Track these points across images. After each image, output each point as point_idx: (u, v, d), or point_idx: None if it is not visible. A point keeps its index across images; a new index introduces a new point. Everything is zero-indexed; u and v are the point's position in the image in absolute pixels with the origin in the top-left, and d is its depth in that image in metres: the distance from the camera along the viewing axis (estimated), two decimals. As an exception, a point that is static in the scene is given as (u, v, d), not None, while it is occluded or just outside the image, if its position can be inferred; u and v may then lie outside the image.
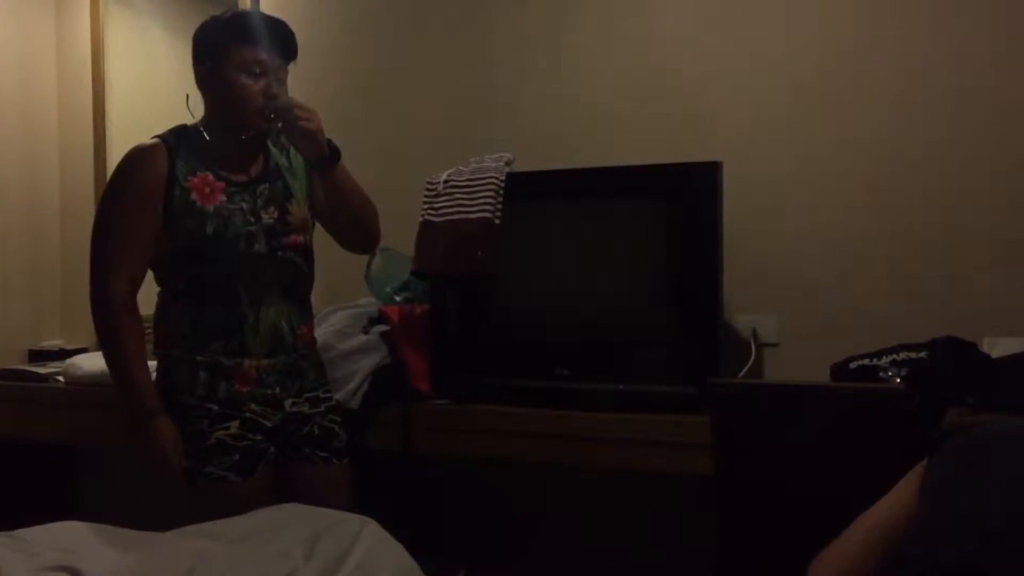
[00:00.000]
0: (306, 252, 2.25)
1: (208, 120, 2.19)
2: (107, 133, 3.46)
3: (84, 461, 3.42)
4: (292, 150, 2.25)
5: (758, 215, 2.46)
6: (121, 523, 1.66)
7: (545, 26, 2.78)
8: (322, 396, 2.27)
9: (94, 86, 3.46)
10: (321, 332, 2.55)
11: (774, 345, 2.48)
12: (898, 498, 1.44)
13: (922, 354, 2.02)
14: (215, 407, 2.10)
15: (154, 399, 2.09)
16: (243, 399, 2.12)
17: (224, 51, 2.10)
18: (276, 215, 2.17)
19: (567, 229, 2.42)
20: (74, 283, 3.51)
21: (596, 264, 2.39)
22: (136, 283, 2.14)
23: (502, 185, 2.41)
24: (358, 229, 2.31)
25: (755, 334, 2.47)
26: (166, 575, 1.46)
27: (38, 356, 3.33)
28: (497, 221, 2.39)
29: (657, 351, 2.32)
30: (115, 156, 3.44)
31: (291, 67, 2.18)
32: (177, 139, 2.17)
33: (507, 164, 2.47)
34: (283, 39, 2.15)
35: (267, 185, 2.19)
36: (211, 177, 2.13)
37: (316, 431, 2.23)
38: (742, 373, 2.42)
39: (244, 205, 2.14)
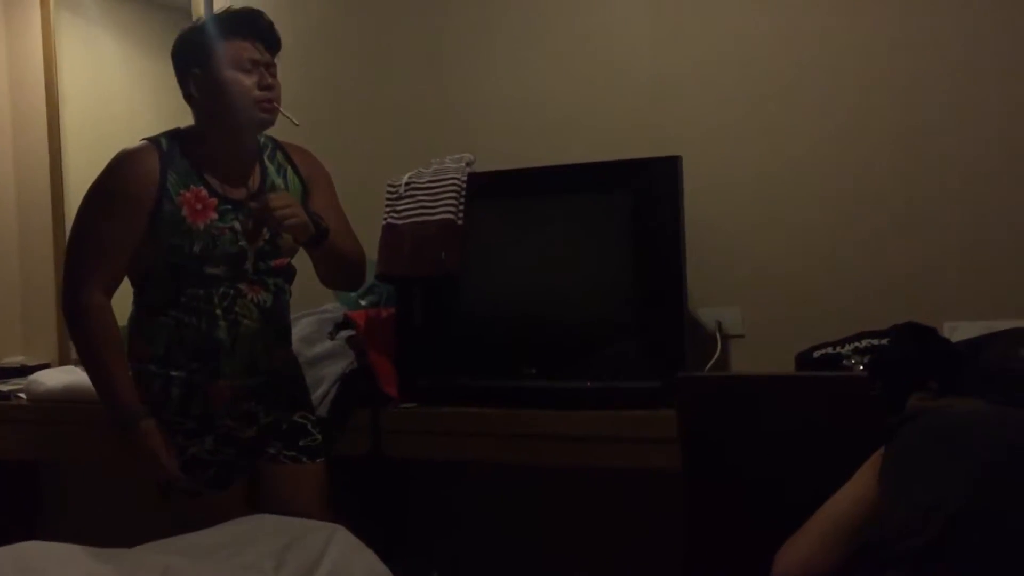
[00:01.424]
0: (289, 274, 2.22)
1: (204, 128, 2.11)
2: (62, 143, 3.42)
3: (47, 478, 3.37)
4: (289, 170, 2.20)
5: (719, 208, 2.48)
6: (85, 540, 1.63)
7: (504, 25, 2.77)
8: (298, 397, 2.24)
9: (47, 95, 3.41)
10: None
11: (739, 337, 2.49)
12: (858, 486, 1.45)
13: (884, 341, 2.05)
14: (189, 423, 2.07)
15: (138, 403, 2.04)
16: (218, 414, 2.09)
17: (211, 52, 2.04)
18: (267, 236, 2.10)
19: (530, 228, 2.42)
20: (34, 298, 3.47)
21: (560, 262, 2.39)
22: (111, 292, 2.08)
23: (464, 186, 2.41)
24: (345, 280, 2.30)
25: (720, 326, 2.48)
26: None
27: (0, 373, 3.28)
28: (460, 222, 2.38)
29: (624, 346, 2.32)
30: (71, 165, 3.42)
31: (277, 59, 2.13)
32: (171, 144, 2.09)
33: (468, 165, 2.47)
34: (266, 29, 2.10)
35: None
36: (204, 192, 2.06)
37: (284, 427, 2.18)
38: (708, 366, 2.44)
39: (236, 224, 2.07)
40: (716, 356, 2.45)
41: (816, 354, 2.14)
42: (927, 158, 2.34)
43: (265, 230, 2.05)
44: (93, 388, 2.10)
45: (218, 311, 2.06)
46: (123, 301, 2.17)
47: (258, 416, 2.14)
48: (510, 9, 2.76)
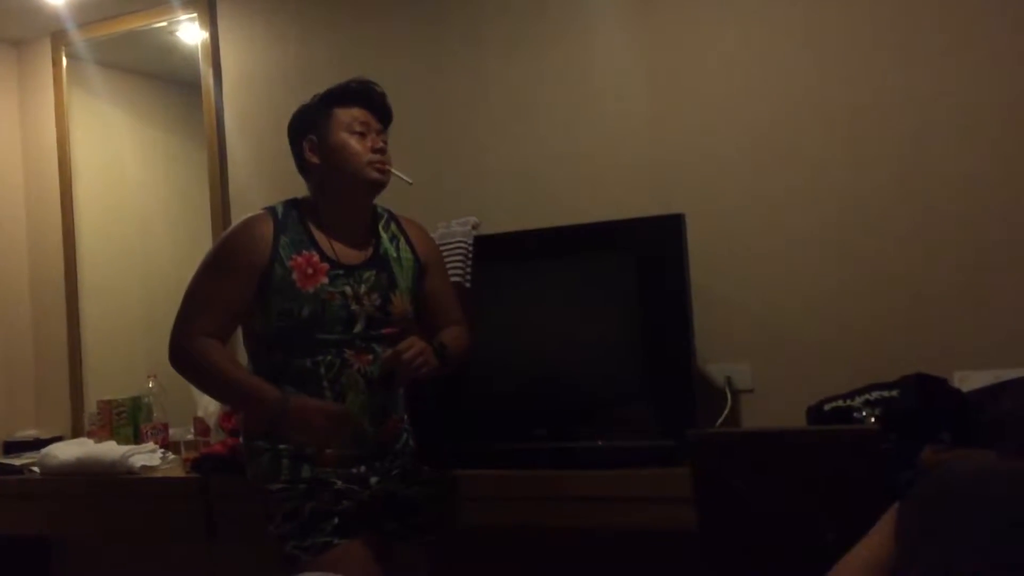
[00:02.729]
0: (398, 342, 2.11)
1: (318, 195, 2.14)
2: (75, 220, 3.47)
3: (59, 553, 3.35)
4: (402, 241, 2.19)
5: (724, 264, 2.49)
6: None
7: (505, 89, 2.82)
8: (408, 469, 2.17)
9: (60, 173, 3.48)
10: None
11: (749, 391, 2.49)
12: (875, 541, 1.45)
13: (894, 392, 2.04)
14: (302, 485, 2.02)
15: (275, 391, 1.99)
16: (328, 476, 2.03)
17: (325, 120, 2.10)
18: (378, 303, 2.09)
19: (536, 289, 2.44)
20: (48, 371, 3.49)
21: (568, 322, 2.40)
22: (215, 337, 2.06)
23: (471, 249, 2.45)
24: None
25: (729, 382, 2.48)
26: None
27: (13, 447, 3.28)
28: (468, 285, 2.40)
29: (634, 405, 2.32)
30: (84, 240, 3.47)
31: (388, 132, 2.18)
32: (286, 210, 2.11)
33: (474, 228, 2.50)
34: (378, 99, 2.14)
35: (373, 272, 2.10)
36: (316, 258, 2.06)
37: (398, 498, 2.12)
38: (719, 421, 2.43)
39: (347, 289, 2.06)
40: (726, 412, 2.45)
41: (827, 407, 2.13)
42: (933, 212, 2.35)
43: (375, 296, 2.08)
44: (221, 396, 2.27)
45: (324, 382, 2.03)
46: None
47: (369, 481, 2.08)
48: (511, 73, 2.81)
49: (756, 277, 2.50)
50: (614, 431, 2.31)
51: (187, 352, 2.04)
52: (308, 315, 2.02)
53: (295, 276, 2.03)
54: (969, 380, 2.14)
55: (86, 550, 3.22)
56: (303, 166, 2.15)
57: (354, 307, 2.05)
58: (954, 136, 2.34)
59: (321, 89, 2.16)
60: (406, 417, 2.20)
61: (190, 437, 2.98)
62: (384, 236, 2.17)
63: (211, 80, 3.23)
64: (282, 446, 2.03)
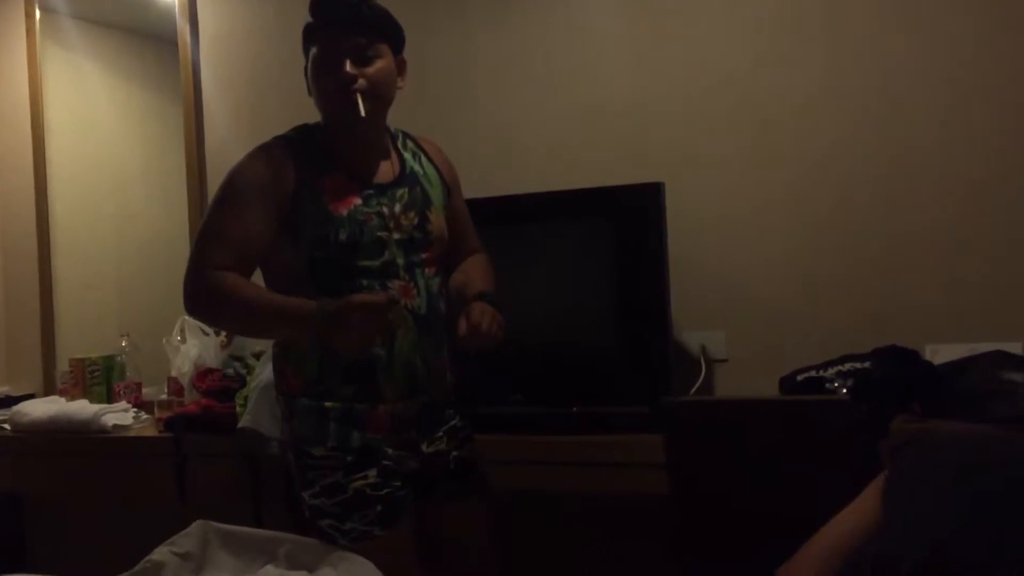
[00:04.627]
0: (439, 272, 1.99)
1: (325, 125, 1.95)
2: (48, 175, 3.41)
3: (32, 510, 3.34)
4: (423, 157, 2.04)
5: (702, 233, 2.50)
6: (71, 573, 1.63)
7: (485, 56, 2.80)
8: (459, 426, 2.02)
9: (33, 128, 3.41)
10: (271, 369, 2.52)
11: (723, 361, 2.51)
12: (860, 510, 1.46)
13: (866, 364, 2.06)
14: (349, 456, 1.86)
15: (310, 305, 1.77)
16: (378, 445, 1.88)
17: (306, 53, 1.92)
18: (416, 222, 1.92)
19: (515, 255, 2.43)
20: (19, 328, 3.45)
21: (544, 288, 2.40)
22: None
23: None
24: None
25: (704, 351, 2.50)
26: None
27: (-17, 404, 3.26)
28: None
29: (610, 372, 2.33)
30: (56, 196, 3.42)
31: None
32: (301, 135, 1.92)
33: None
34: (347, 13, 1.87)
35: (405, 189, 1.93)
36: (343, 179, 1.88)
37: (452, 465, 1.99)
38: (693, 390, 2.45)
39: (383, 209, 1.88)
40: (700, 380, 2.47)
41: (800, 378, 2.15)
42: (910, 185, 2.36)
43: (412, 214, 1.91)
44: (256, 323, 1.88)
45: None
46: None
47: (420, 447, 1.94)
48: (491, 40, 2.79)
49: (733, 247, 2.51)
50: (590, 397, 2.32)
51: (204, 289, 1.81)
52: (346, 240, 1.83)
53: (326, 198, 1.84)
54: (940, 353, 2.16)
55: (58, 508, 3.22)
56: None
57: (391, 226, 1.88)
58: (937, 115, 2.35)
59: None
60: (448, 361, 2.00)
61: (164, 397, 2.96)
62: (406, 154, 2.01)
63: (188, 36, 3.18)
64: (328, 404, 1.87)
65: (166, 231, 3.28)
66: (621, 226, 2.33)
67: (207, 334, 2.94)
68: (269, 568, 1.82)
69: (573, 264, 2.40)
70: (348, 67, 1.84)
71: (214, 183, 3.15)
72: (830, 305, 2.41)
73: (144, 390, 3.05)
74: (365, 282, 1.85)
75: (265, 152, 1.88)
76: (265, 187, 1.83)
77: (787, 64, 2.47)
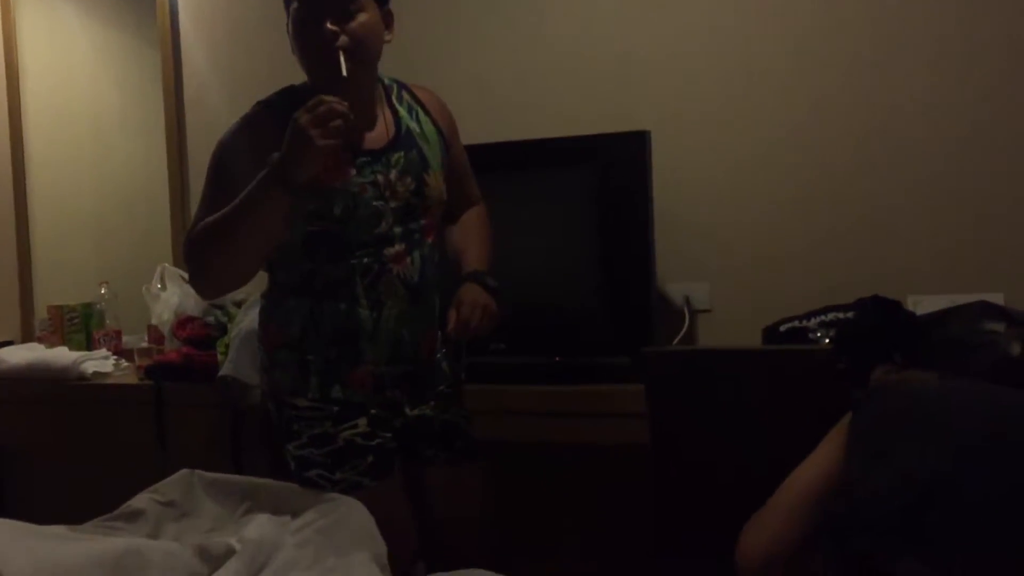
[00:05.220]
0: (436, 239, 1.92)
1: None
2: (23, 121, 3.35)
3: (9, 457, 3.32)
4: (420, 112, 1.93)
5: (687, 183, 2.48)
6: (48, 520, 1.62)
7: (469, 2, 2.75)
8: (447, 391, 1.97)
9: (7, 72, 3.35)
10: (252, 317, 2.50)
11: (707, 311, 2.50)
12: (822, 459, 1.47)
13: (849, 314, 2.06)
14: (335, 407, 1.82)
15: (259, 179, 1.64)
16: (361, 401, 1.84)
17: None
18: (412, 187, 1.84)
19: (498, 204, 2.39)
20: (-5, 276, 3.41)
21: (529, 237, 2.38)
22: None
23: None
24: None
25: (688, 301, 2.49)
26: (93, 570, 1.42)
27: (-39, 352, 3.23)
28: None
29: (592, 322, 2.33)
30: (32, 142, 3.36)
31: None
32: (284, 101, 1.80)
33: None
34: None
35: (401, 153, 1.84)
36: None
37: (436, 427, 1.95)
38: (676, 340, 2.45)
39: (378, 177, 1.80)
40: (683, 331, 2.46)
41: (783, 328, 2.15)
42: (894, 137, 2.35)
43: (408, 179, 1.83)
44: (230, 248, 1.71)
45: (360, 289, 1.81)
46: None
47: (403, 407, 1.90)
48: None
49: (718, 197, 2.49)
50: (572, 348, 2.31)
51: (186, 245, 1.77)
52: (340, 213, 1.77)
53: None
54: (922, 304, 2.17)
55: (35, 455, 3.19)
56: None
57: (387, 195, 1.81)
58: (921, 70, 2.33)
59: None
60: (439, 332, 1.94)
61: (144, 345, 2.94)
62: (401, 110, 1.91)
63: (166, -23, 3.11)
64: (310, 357, 1.82)
65: (145, 178, 3.23)
66: (606, 175, 2.30)
67: (187, 282, 2.92)
68: (254, 514, 1.82)
69: (557, 213, 2.38)
70: (328, 24, 1.73)
71: (193, 130, 3.14)
72: (814, 256, 2.40)
73: (124, 338, 3.03)
74: (360, 253, 1.80)
75: (249, 124, 1.81)
76: (252, 160, 1.71)
77: (776, 16, 2.44)
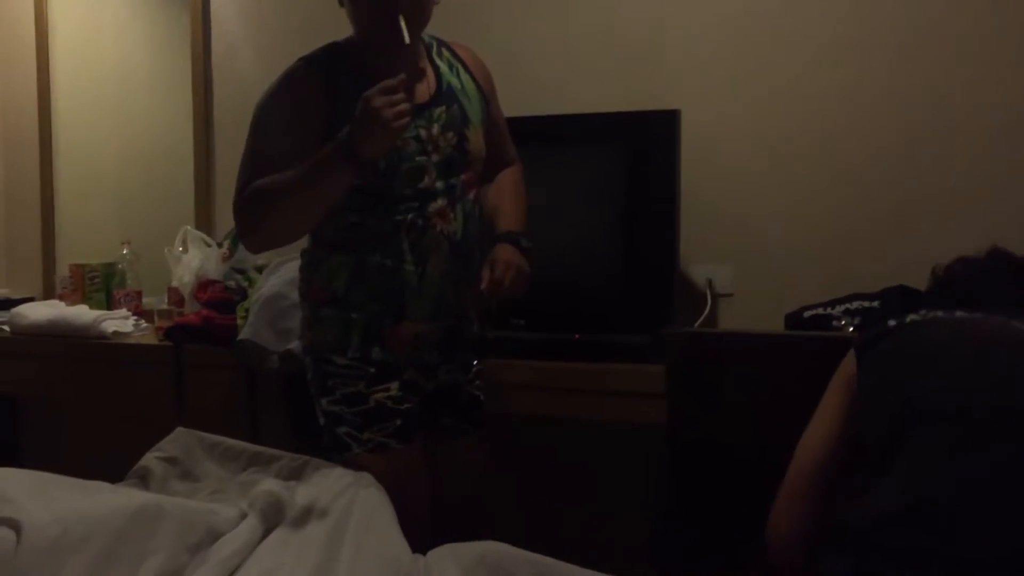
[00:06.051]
0: (477, 195, 1.94)
1: (356, 38, 1.86)
2: (51, 76, 3.35)
3: (28, 413, 3.35)
4: (460, 69, 1.94)
5: (715, 165, 2.45)
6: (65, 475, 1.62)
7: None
8: (476, 364, 2.04)
9: (37, 30, 3.34)
10: (273, 283, 2.51)
11: (729, 295, 2.48)
12: (822, 427, 1.49)
13: (875, 303, 2.04)
14: (372, 368, 1.85)
15: (327, 148, 1.69)
16: (399, 363, 1.88)
17: None
18: (454, 142, 1.86)
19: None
20: (19, 231, 3.44)
21: (553, 213, 2.36)
22: None
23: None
24: None
25: (711, 284, 2.47)
26: (112, 520, 1.43)
27: (-18, 306, 3.25)
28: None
29: (614, 301, 2.31)
30: (60, 99, 3.37)
31: None
32: (330, 55, 1.83)
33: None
34: None
35: (443, 108, 1.86)
36: None
37: (463, 399, 2.01)
38: (697, 323, 2.43)
39: (421, 132, 1.81)
40: (705, 314, 2.44)
41: (806, 314, 2.13)
42: (933, 128, 2.31)
43: (451, 134, 1.85)
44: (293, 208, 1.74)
45: (405, 244, 1.82)
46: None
47: (439, 371, 1.96)
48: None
49: (746, 179, 2.46)
50: (593, 325, 2.30)
51: (242, 202, 1.76)
52: (385, 167, 1.78)
53: None
54: (949, 296, 2.13)
55: (54, 411, 3.23)
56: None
57: (430, 150, 1.83)
58: (961, 45, 2.29)
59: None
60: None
61: (164, 307, 2.95)
62: (443, 66, 1.91)
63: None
64: (354, 316, 1.85)
65: (170, 138, 3.22)
66: (635, 153, 2.28)
67: (209, 245, 2.92)
68: (259, 478, 1.82)
69: (583, 190, 2.36)
70: None
71: (221, 91, 3.13)
72: (842, 244, 2.37)
73: (144, 299, 3.04)
74: (403, 208, 1.82)
75: (294, 78, 1.81)
76: (303, 110, 1.77)
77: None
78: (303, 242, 2.46)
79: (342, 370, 1.86)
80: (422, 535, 1.76)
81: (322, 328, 1.89)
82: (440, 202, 1.85)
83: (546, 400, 2.24)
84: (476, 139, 1.91)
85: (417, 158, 1.82)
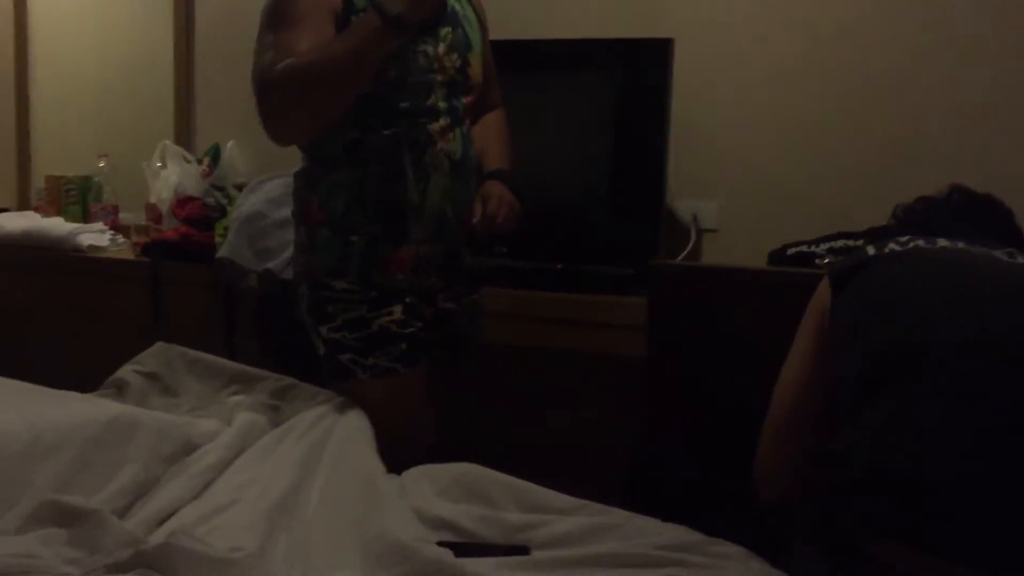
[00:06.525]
0: (475, 115, 1.94)
1: None
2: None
3: (3, 322, 3.32)
4: None
5: (707, 99, 2.41)
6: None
7: None
8: (468, 291, 1.99)
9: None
10: (253, 201, 2.47)
11: (713, 231, 2.47)
12: (803, 349, 1.46)
13: (860, 242, 2.03)
14: (373, 292, 1.80)
15: (369, 19, 1.67)
16: (400, 286, 1.83)
17: None
18: (458, 64, 1.84)
19: (510, 104, 2.34)
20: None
21: (539, 140, 2.32)
22: None
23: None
24: None
25: (695, 219, 2.45)
26: (86, 428, 1.42)
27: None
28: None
29: (598, 232, 2.30)
30: (36, 7, 3.26)
31: None
32: None
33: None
34: None
35: (449, 29, 1.83)
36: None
37: (454, 334, 1.96)
38: (680, 257, 2.41)
39: (428, 48, 1.79)
40: (689, 248, 2.43)
41: (790, 251, 2.12)
42: (927, 66, 2.28)
43: (455, 56, 1.83)
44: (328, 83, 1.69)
45: (407, 159, 1.79)
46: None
47: (437, 298, 1.91)
48: None
49: (736, 116, 2.43)
50: (576, 256, 2.29)
51: (279, 73, 1.66)
52: (394, 77, 1.75)
53: None
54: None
55: (32, 320, 3.19)
56: None
57: (436, 67, 1.81)
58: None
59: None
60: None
61: (141, 222, 2.91)
62: None
63: None
64: (354, 239, 1.79)
65: (149, 51, 3.14)
66: (626, 81, 2.25)
67: (189, 161, 2.87)
68: (239, 396, 1.81)
69: (570, 117, 2.32)
70: None
71: (203, 3, 3.04)
72: (830, 183, 2.35)
73: (121, 214, 2.99)
74: (406, 123, 1.78)
75: None
76: (317, 6, 1.71)
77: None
78: (286, 159, 2.43)
79: (342, 295, 1.80)
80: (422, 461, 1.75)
81: (319, 252, 1.83)
82: (443, 121, 1.82)
83: (526, 330, 2.23)
84: (477, 66, 1.89)
85: (426, 74, 1.79)
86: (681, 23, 2.40)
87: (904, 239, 1.40)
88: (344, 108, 1.74)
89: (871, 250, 1.42)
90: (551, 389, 2.55)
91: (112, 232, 2.86)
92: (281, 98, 1.69)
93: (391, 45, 1.68)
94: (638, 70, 2.24)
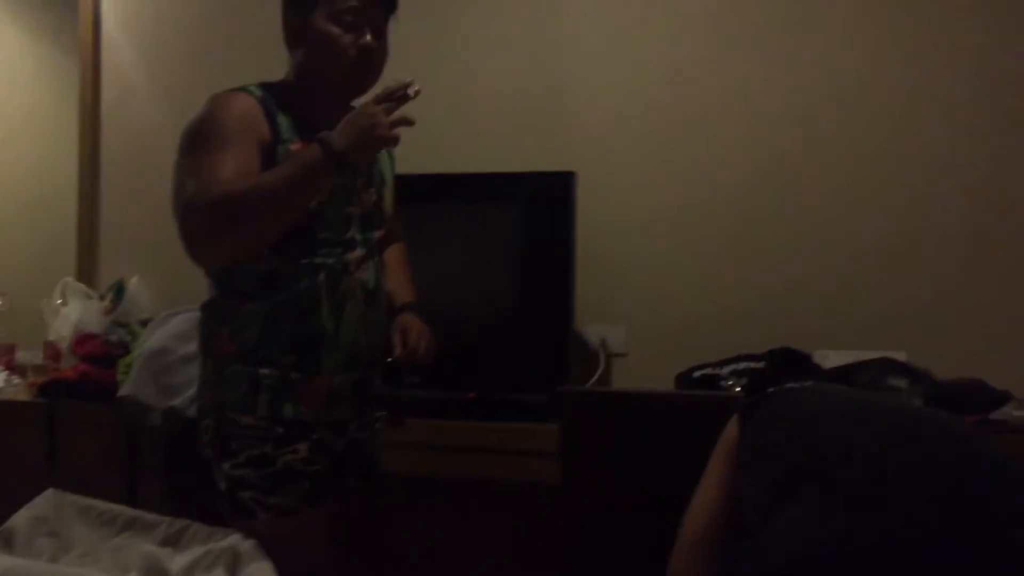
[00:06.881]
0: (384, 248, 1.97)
1: (299, 84, 1.84)
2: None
3: None
4: None
5: (610, 227, 2.51)
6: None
7: (404, 33, 2.74)
8: (376, 416, 1.96)
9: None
10: (159, 336, 2.43)
11: (623, 355, 2.52)
12: (714, 480, 1.50)
13: (761, 364, 2.10)
14: (279, 428, 1.75)
15: (310, 149, 1.67)
16: (310, 420, 1.78)
17: (315, 1, 1.80)
18: (374, 199, 1.88)
19: (418, 235, 2.38)
20: None
21: (448, 271, 2.37)
22: None
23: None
24: None
25: (604, 344, 2.51)
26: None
27: None
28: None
29: (509, 360, 2.32)
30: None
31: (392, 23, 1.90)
32: (266, 94, 1.79)
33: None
34: None
35: (366, 164, 1.85)
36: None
37: (364, 461, 1.94)
38: (591, 382, 2.45)
39: (346, 182, 1.79)
40: (599, 373, 2.47)
41: (696, 374, 2.18)
42: (811, 192, 2.43)
43: (372, 191, 1.87)
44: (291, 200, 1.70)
45: (323, 290, 1.77)
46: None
47: (349, 428, 1.87)
48: (409, 19, 2.73)
49: (640, 243, 2.53)
50: (488, 384, 2.30)
51: (212, 202, 1.65)
52: (315, 209, 1.75)
53: None
54: (829, 359, 2.22)
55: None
56: (288, 41, 1.87)
57: (354, 200, 1.83)
58: (835, 114, 2.41)
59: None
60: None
61: (39, 362, 2.81)
62: None
63: (90, -15, 3.04)
64: (264, 371, 1.75)
65: (52, 188, 3.12)
66: (531, 213, 2.32)
67: (91, 298, 2.81)
68: (133, 542, 1.74)
69: (479, 248, 2.38)
70: (369, 37, 1.81)
71: (109, 139, 3.04)
72: (730, 306, 2.45)
73: (18, 353, 2.89)
74: (324, 253, 1.79)
75: (237, 99, 1.77)
76: (248, 130, 1.73)
77: (705, 68, 2.50)
78: (193, 294, 2.40)
79: (248, 431, 1.76)
80: None
81: (226, 386, 1.77)
82: (359, 251, 1.84)
83: (441, 459, 2.21)
84: (390, 199, 1.95)
85: (345, 207, 1.82)
86: (586, 156, 2.51)
87: (799, 382, 1.52)
88: (273, 238, 1.74)
89: (771, 389, 1.52)
90: (467, 518, 2.52)
91: (7, 372, 2.76)
92: (210, 225, 1.68)
93: (330, 180, 1.70)
94: (543, 202, 2.32)
